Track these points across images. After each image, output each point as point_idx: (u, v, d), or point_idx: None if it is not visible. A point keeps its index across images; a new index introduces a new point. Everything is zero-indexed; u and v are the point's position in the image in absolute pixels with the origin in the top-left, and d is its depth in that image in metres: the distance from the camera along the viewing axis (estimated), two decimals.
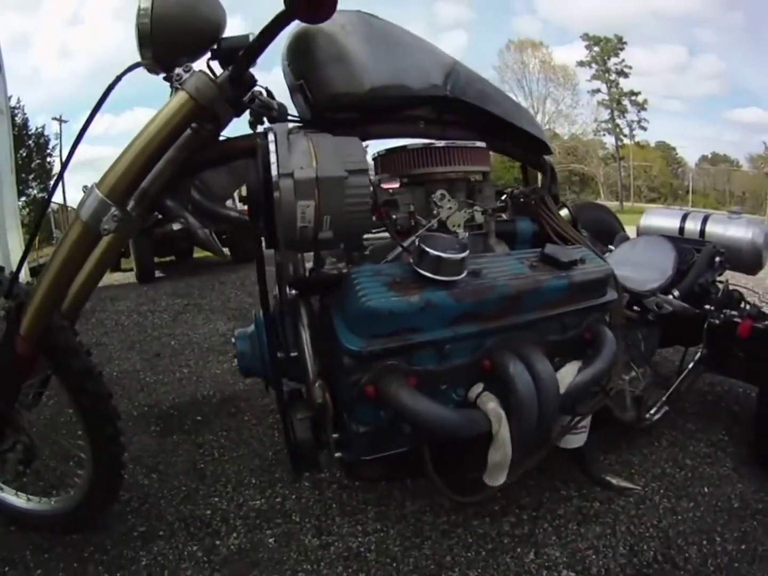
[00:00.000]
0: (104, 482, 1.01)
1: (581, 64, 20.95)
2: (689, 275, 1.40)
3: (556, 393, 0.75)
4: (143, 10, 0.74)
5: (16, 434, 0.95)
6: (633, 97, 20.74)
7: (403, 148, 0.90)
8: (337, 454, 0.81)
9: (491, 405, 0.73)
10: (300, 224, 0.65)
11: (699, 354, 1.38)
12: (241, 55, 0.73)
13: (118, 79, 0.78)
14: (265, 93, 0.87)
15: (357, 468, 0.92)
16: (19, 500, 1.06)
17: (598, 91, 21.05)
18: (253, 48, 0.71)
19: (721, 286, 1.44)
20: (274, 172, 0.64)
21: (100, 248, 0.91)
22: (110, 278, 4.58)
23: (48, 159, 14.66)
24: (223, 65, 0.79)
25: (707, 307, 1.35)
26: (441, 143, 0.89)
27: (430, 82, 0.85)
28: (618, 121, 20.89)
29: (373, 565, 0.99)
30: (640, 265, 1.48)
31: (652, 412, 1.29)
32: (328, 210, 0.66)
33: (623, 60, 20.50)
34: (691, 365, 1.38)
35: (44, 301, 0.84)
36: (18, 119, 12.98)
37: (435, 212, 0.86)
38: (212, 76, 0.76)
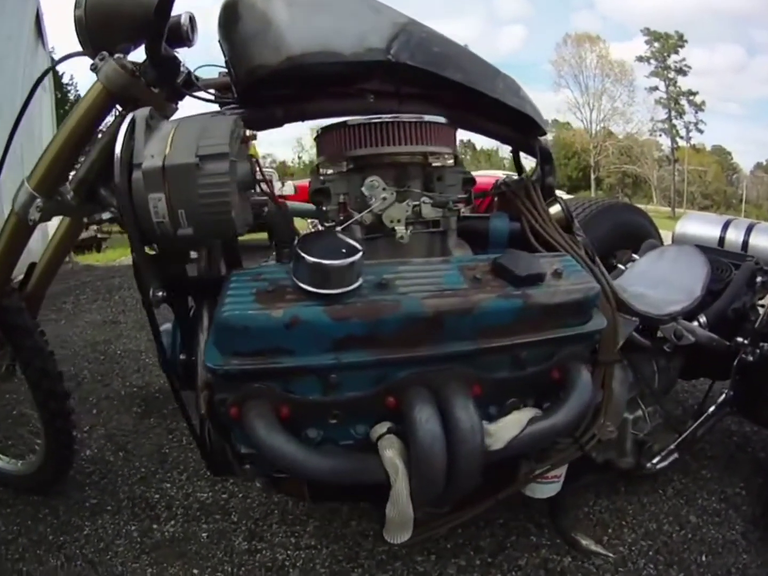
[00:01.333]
0: (55, 453, 0.98)
1: (640, 59, 18.93)
2: (722, 297, 1.03)
3: (477, 448, 0.51)
4: (77, 1, 0.66)
5: None
6: (691, 97, 18.48)
7: (343, 124, 0.67)
8: (246, 466, 0.66)
9: (388, 453, 0.51)
10: (155, 219, 0.50)
11: (724, 395, 1.03)
12: (148, 37, 0.62)
13: (54, 66, 0.70)
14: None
15: (277, 483, 0.75)
16: None
17: (656, 88, 18.93)
18: (153, 29, 0.60)
19: (762, 312, 1.07)
20: (116, 162, 0.50)
21: (57, 235, 0.89)
22: None
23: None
24: None
25: (740, 339, 0.98)
26: (386, 117, 0.65)
27: (367, 45, 0.60)
28: (675, 121, 18.67)
29: None
30: (663, 282, 1.13)
31: (655, 461, 0.97)
32: (180, 203, 0.50)
33: (683, 58, 18.42)
34: (712, 408, 1.03)
35: None
36: (71, 96, 12.59)
37: (371, 203, 0.63)
38: (126, 63, 0.66)
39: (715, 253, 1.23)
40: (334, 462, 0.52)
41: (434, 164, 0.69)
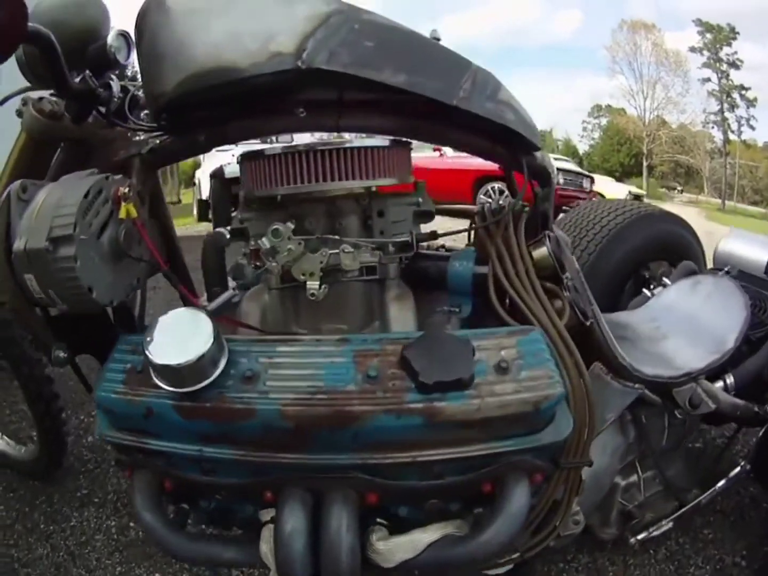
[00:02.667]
0: (46, 447, 1.01)
1: (693, 50, 17.57)
2: (760, 352, 0.79)
3: (346, 568, 0.39)
4: None
5: None
6: (743, 92, 17.02)
7: (259, 154, 0.51)
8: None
9: (263, 548, 0.42)
10: (36, 296, 0.43)
11: (739, 469, 0.79)
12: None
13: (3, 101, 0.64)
14: None
15: None
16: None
17: (708, 80, 17.58)
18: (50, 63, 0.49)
19: None
20: None
21: None
22: (197, 227, 4.14)
23: None
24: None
25: None
26: (301, 147, 0.49)
27: (270, 50, 0.42)
28: (726, 114, 17.34)
29: None
30: (691, 323, 0.86)
31: (641, 536, 0.76)
32: (46, 284, 0.42)
33: (735, 51, 16.91)
34: (721, 483, 0.80)
35: None
36: (128, 72, 14.24)
37: (277, 254, 0.48)
38: (44, 106, 0.56)
39: (758, 284, 0.95)
40: (197, 547, 0.44)
41: (375, 194, 0.53)
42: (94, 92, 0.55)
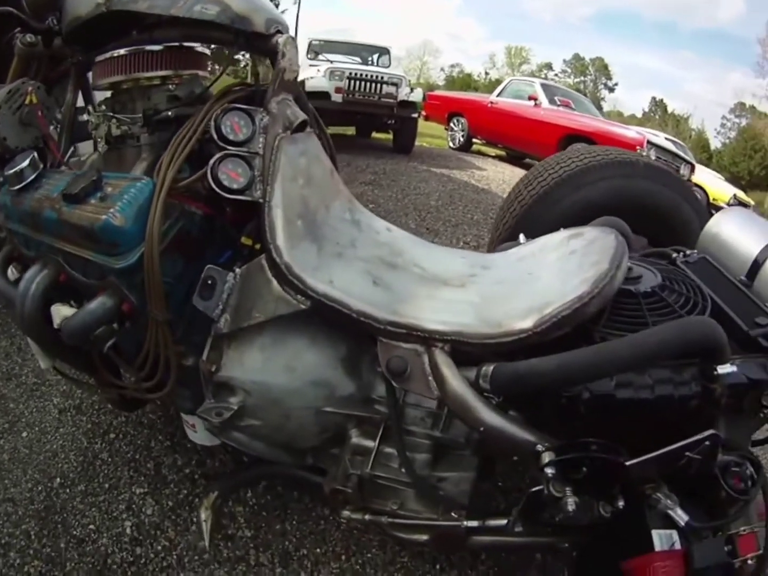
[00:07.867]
0: None
1: None
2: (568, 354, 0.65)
3: (27, 308, 0.88)
4: None
5: None
6: None
7: (92, 62, 1.01)
8: None
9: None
10: None
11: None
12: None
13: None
14: None
15: None
16: None
17: None
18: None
19: None
20: None
21: None
22: None
23: None
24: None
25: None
26: (117, 52, 0.94)
27: (96, 2, 0.90)
28: None
29: None
30: (507, 287, 0.81)
31: (354, 516, 0.79)
32: None
33: None
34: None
35: None
36: None
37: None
38: (25, 39, 1.13)
39: (713, 280, 0.84)
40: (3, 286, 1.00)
41: (145, 85, 0.95)
42: (53, 29, 1.12)
